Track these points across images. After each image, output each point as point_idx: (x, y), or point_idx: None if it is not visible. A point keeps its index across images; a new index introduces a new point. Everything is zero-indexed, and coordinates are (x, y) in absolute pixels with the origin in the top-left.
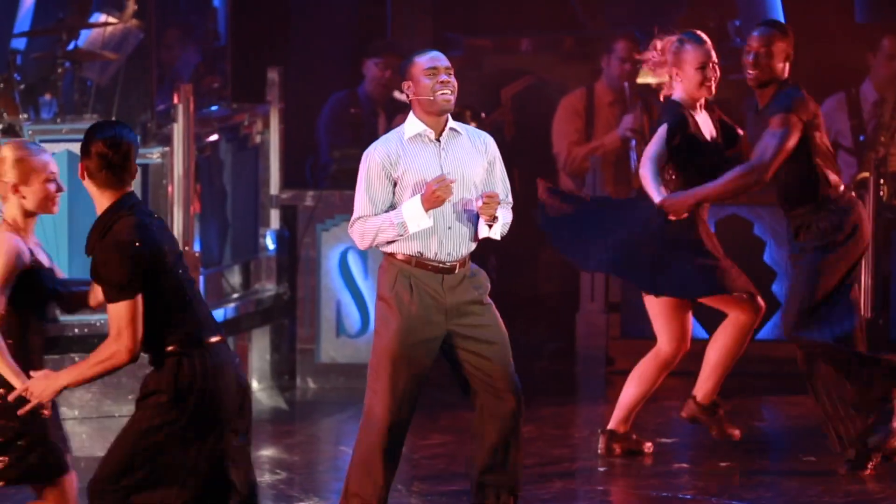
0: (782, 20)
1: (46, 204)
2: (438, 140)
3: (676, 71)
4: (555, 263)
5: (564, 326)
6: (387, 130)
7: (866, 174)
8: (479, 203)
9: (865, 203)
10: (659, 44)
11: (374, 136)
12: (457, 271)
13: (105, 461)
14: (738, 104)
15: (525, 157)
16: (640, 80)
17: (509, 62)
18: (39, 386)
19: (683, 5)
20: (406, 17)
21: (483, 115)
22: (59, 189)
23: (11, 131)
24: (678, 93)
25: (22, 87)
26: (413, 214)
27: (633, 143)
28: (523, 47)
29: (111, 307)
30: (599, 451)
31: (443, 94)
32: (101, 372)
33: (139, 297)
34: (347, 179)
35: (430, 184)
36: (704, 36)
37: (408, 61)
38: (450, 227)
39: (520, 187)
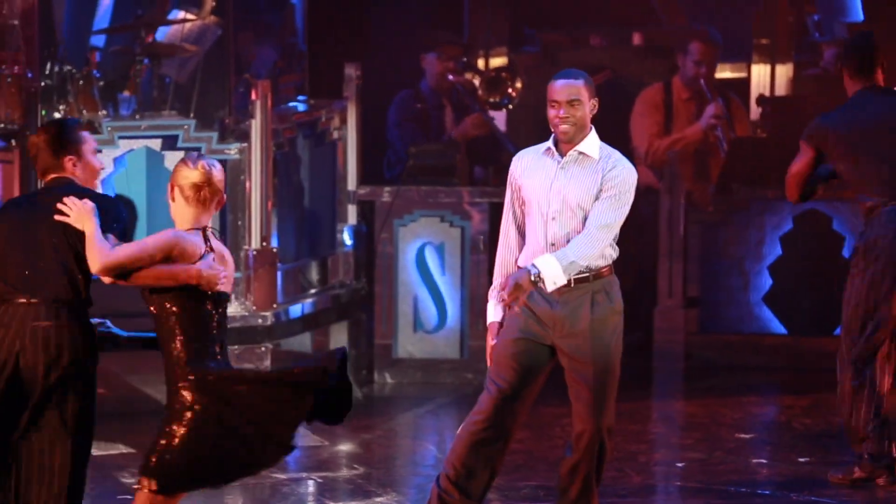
0: (861, 14)
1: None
2: (562, 159)
3: None
4: (632, 258)
5: (642, 321)
6: (455, 122)
7: None
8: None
9: None
10: None
11: (442, 129)
12: (574, 285)
13: None
14: (816, 99)
15: None
16: (717, 74)
17: (585, 57)
18: None
19: (761, 0)
20: (483, 12)
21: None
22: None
23: (91, 127)
24: None
25: (101, 83)
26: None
27: (720, 130)
28: (600, 42)
29: None
30: None
31: (560, 128)
32: None
33: None
34: (424, 175)
35: (487, 344)
36: None
37: (551, 81)
38: (553, 245)
39: None
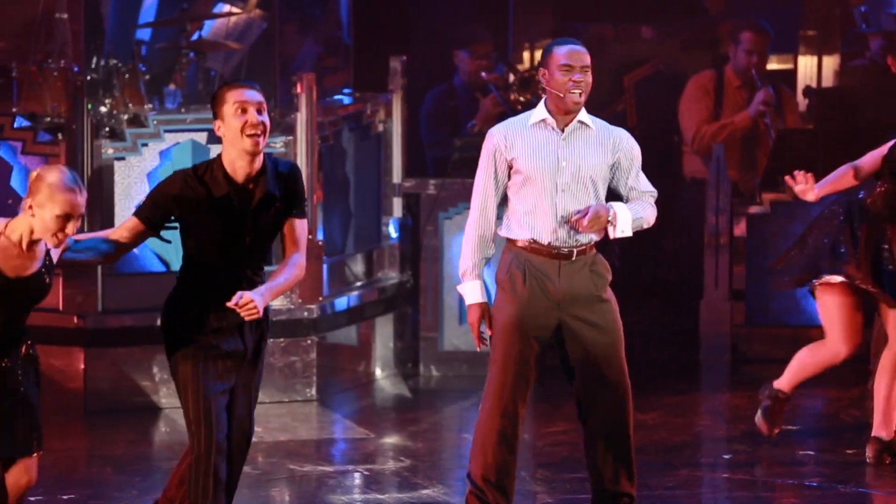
0: None
1: (50, 237)
2: (563, 130)
3: None
4: (678, 250)
5: (688, 314)
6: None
7: None
8: (578, 223)
9: None
10: None
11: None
12: (575, 258)
13: None
14: (861, 90)
15: (648, 145)
16: (769, 66)
17: (631, 50)
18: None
19: None
20: (527, 4)
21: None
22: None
23: (137, 121)
24: None
25: (147, 77)
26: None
27: (768, 118)
28: (645, 35)
29: (302, 224)
30: (868, 460)
31: (572, 94)
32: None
33: None
34: (469, 168)
35: (473, 326)
36: None
37: (548, 48)
38: (561, 216)
39: None
